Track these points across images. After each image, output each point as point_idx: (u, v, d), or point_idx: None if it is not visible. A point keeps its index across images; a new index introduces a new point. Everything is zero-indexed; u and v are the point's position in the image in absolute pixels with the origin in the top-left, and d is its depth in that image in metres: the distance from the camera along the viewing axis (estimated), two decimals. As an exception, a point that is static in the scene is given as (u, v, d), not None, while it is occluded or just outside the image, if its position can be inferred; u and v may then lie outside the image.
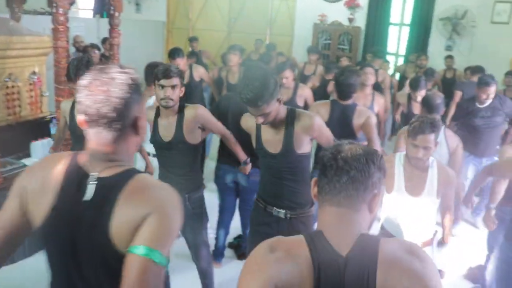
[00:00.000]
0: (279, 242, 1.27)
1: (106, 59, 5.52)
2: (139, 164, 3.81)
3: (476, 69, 6.00)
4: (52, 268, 1.34)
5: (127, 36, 5.92)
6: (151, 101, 3.81)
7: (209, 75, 5.65)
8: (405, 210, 2.61)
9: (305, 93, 4.55)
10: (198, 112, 2.81)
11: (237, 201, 3.81)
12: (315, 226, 1.33)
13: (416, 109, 4.61)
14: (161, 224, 1.19)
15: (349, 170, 1.20)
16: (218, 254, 3.84)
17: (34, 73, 4.20)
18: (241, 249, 4.11)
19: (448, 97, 5.72)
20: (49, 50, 4.01)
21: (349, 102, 3.49)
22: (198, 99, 5.28)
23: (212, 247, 3.52)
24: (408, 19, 8.95)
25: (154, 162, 3.91)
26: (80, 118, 1.24)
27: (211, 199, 3.84)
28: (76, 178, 1.28)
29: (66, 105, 3.23)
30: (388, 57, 8.96)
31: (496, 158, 4.66)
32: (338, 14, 9.23)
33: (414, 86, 4.59)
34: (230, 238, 4.13)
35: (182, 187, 2.81)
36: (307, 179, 2.60)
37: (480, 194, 5.11)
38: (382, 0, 8.91)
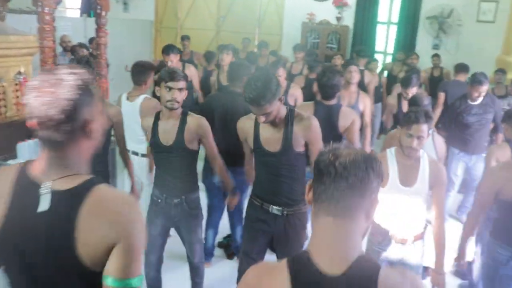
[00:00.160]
0: (264, 268, 1.25)
1: (94, 58, 5.48)
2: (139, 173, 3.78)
3: (460, 68, 5.94)
4: (11, 284, 1.31)
5: (114, 36, 5.88)
6: (139, 100, 3.80)
7: (197, 76, 5.69)
8: (398, 202, 2.64)
9: (296, 92, 4.58)
10: (201, 123, 2.86)
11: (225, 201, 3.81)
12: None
13: (406, 108, 4.63)
14: (129, 250, 1.20)
15: (348, 177, 1.13)
16: (207, 254, 3.84)
17: (20, 73, 4.14)
18: (230, 248, 4.11)
19: (436, 95, 5.77)
20: (35, 50, 3.97)
21: (334, 102, 3.50)
22: (189, 99, 5.28)
23: (201, 247, 3.52)
24: (395, 17, 9.01)
25: (143, 161, 3.92)
26: (29, 121, 1.20)
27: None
28: (27, 189, 1.23)
29: None
30: (376, 56, 9.01)
31: (484, 155, 4.73)
32: (327, 13, 9.26)
33: (406, 83, 4.60)
34: (219, 237, 4.13)
35: (179, 189, 2.89)
36: (303, 176, 2.68)
37: (464, 192, 5.18)
38: (370, -1, 8.97)
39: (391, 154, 2.70)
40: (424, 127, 2.53)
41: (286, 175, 2.62)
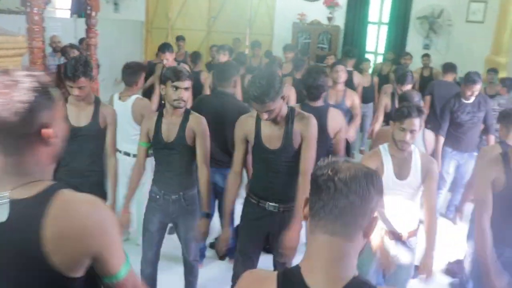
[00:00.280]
0: (255, 278, 1.23)
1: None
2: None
3: (447, 68, 5.92)
4: None
5: (105, 36, 5.85)
6: (131, 100, 3.79)
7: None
8: (393, 196, 2.66)
9: (291, 93, 4.59)
10: (201, 121, 2.90)
11: (216, 202, 3.82)
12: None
13: None
14: (107, 249, 1.21)
15: (348, 194, 1.07)
16: (199, 255, 3.83)
17: (9, 74, 4.12)
18: (222, 249, 4.10)
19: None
20: (24, 50, 3.95)
21: (320, 103, 3.48)
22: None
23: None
24: (386, 18, 9.05)
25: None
26: None
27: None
28: None
29: None
30: (367, 56, 9.03)
31: (475, 154, 4.79)
32: (317, 13, 9.28)
33: (401, 80, 4.65)
34: (210, 238, 4.12)
35: (177, 185, 2.94)
36: (298, 173, 2.71)
37: (453, 190, 5.23)
38: (360, -1, 9.01)
39: (384, 149, 2.77)
40: (417, 121, 2.61)
41: (284, 172, 2.67)
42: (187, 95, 2.82)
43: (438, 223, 4.87)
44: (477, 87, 4.57)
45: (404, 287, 2.93)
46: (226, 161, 3.29)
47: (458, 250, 4.06)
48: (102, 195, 3.20)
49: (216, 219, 3.93)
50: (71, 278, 1.18)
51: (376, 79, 7.25)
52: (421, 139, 3.62)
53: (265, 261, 3.04)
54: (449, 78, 5.76)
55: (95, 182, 3.03)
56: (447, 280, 3.98)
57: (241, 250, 2.90)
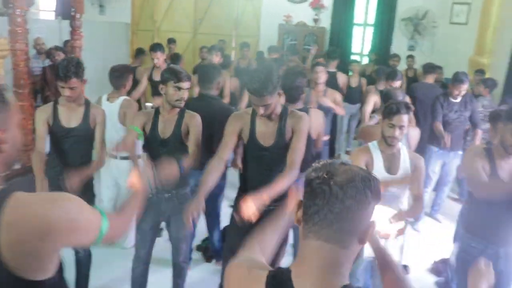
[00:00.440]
0: (244, 273, 1.20)
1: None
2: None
3: (428, 69, 5.93)
4: None
5: (90, 38, 5.81)
6: (119, 101, 3.77)
7: None
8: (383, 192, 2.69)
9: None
10: (195, 116, 2.99)
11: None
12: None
13: None
14: (76, 234, 1.21)
15: (344, 199, 1.02)
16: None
17: (-9, 76, 4.07)
18: (209, 251, 4.10)
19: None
20: (6, 53, 3.90)
21: (300, 106, 3.47)
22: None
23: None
24: (371, 19, 9.12)
25: (122, 164, 3.88)
26: None
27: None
28: None
29: (45, 110, 3.11)
30: (353, 57, 9.09)
31: (460, 153, 4.89)
32: (303, 15, 9.32)
33: (392, 76, 4.78)
34: (197, 240, 4.12)
35: (171, 183, 2.90)
36: None
37: (437, 189, 5.29)
38: (346, 1, 9.05)
39: (373, 145, 2.85)
40: (405, 117, 2.70)
41: (277, 169, 2.69)
42: (186, 95, 2.93)
43: (422, 224, 4.97)
44: (464, 87, 4.72)
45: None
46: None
47: (443, 249, 4.10)
48: (91, 195, 3.22)
49: (202, 221, 3.93)
50: (37, 281, 1.15)
51: (364, 81, 7.31)
52: (404, 136, 3.66)
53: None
54: (430, 79, 5.81)
55: (84, 183, 3.03)
56: (432, 279, 4.02)
57: (231, 249, 2.89)
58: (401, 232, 2.83)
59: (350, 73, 7.43)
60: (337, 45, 8.93)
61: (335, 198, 1.02)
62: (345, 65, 7.55)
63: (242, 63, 7.51)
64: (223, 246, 3.37)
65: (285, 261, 3.20)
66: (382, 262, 1.49)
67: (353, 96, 6.86)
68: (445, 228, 4.96)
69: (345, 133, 7.43)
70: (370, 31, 9.17)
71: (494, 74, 6.61)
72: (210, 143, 3.37)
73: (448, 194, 5.50)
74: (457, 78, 4.70)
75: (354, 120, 7.18)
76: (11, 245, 1.10)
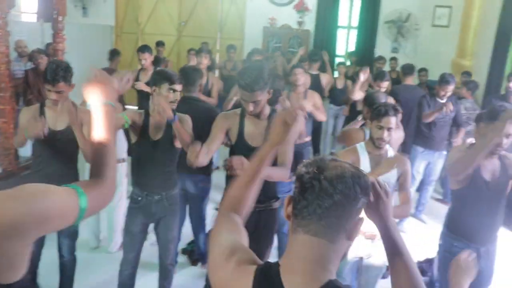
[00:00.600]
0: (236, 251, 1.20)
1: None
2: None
3: (406, 71, 5.98)
4: None
5: (73, 41, 5.75)
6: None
7: None
8: None
9: None
10: (188, 120, 3.02)
11: (187, 208, 3.80)
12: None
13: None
14: (53, 218, 1.16)
15: (333, 194, 1.03)
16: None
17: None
18: (194, 254, 4.08)
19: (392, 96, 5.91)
20: (-12, 55, 3.84)
21: (276, 107, 3.48)
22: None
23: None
24: (355, 22, 9.18)
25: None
26: None
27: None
28: None
29: (31, 110, 3.10)
30: (337, 59, 9.15)
31: (445, 153, 4.97)
32: (288, 17, 9.35)
33: (380, 76, 4.81)
34: (182, 244, 4.10)
35: (161, 185, 3.00)
36: None
37: (420, 188, 5.35)
38: (330, 4, 9.10)
39: (361, 147, 2.87)
40: (393, 119, 2.74)
41: None
42: (179, 97, 3.00)
43: (406, 224, 5.01)
44: (450, 88, 4.83)
45: (374, 286, 2.98)
46: (198, 167, 3.28)
47: (427, 249, 4.14)
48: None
49: (187, 224, 3.91)
50: (5, 285, 1.12)
51: (349, 83, 7.37)
52: None
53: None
54: (409, 81, 5.89)
55: (70, 176, 3.00)
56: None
57: None
58: None
59: (336, 75, 7.48)
60: (321, 47, 8.96)
61: (325, 193, 1.04)
62: (332, 67, 7.62)
63: (228, 65, 7.50)
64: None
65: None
66: (392, 246, 1.37)
67: (339, 97, 6.90)
68: (429, 228, 5.01)
69: (330, 135, 7.47)
70: (354, 33, 9.24)
71: (475, 76, 6.71)
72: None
73: (432, 195, 5.56)
74: (444, 79, 4.82)
75: (340, 122, 7.22)
76: None
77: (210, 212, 4.08)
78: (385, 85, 4.72)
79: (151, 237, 3.25)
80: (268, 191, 2.74)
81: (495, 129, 2.54)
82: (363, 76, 4.70)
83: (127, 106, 5.58)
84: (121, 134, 3.95)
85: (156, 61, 6.36)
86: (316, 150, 5.12)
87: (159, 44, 8.06)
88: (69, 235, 3.17)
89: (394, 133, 3.78)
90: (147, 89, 4.58)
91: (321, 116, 4.65)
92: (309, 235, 1.06)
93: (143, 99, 5.30)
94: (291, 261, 1.09)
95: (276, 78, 3.51)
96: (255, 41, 9.24)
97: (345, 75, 7.33)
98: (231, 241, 1.26)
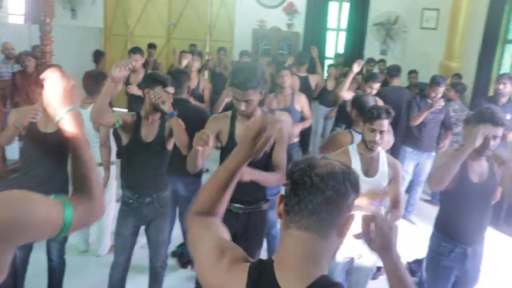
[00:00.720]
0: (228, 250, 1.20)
1: (40, 67, 5.29)
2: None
3: (392, 72, 6.04)
4: None
5: (62, 43, 5.72)
6: (90, 108, 3.71)
7: None
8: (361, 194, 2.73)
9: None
10: (179, 122, 2.99)
11: (177, 210, 3.80)
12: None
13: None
14: (36, 228, 1.14)
15: (325, 190, 1.06)
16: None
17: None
18: (184, 257, 4.07)
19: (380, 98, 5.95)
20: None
21: (264, 109, 3.51)
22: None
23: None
24: (344, 24, 9.22)
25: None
26: None
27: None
28: None
29: (19, 113, 3.05)
30: (326, 61, 9.19)
31: (434, 154, 5.02)
32: (277, 19, 9.37)
33: (372, 77, 4.78)
34: (172, 246, 4.09)
35: (152, 187, 3.01)
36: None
37: (409, 189, 5.39)
38: (319, 6, 9.13)
39: (353, 148, 2.88)
40: (386, 122, 2.75)
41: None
42: (171, 99, 3.00)
43: (397, 223, 5.04)
44: (441, 89, 4.91)
45: (364, 287, 3.00)
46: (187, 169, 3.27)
47: (417, 250, 4.16)
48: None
49: (177, 227, 3.90)
50: None
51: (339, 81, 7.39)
52: None
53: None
54: (396, 82, 5.94)
55: (59, 189, 2.98)
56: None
57: None
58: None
59: (326, 76, 7.51)
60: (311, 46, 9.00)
61: (316, 189, 1.06)
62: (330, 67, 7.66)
63: (218, 67, 7.50)
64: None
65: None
66: (397, 281, 1.37)
67: (330, 99, 6.92)
68: (418, 229, 5.05)
69: (320, 136, 7.49)
70: (343, 36, 9.29)
71: (463, 78, 6.78)
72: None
73: (420, 196, 5.61)
74: (434, 81, 4.92)
75: (329, 123, 7.25)
76: None
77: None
78: (377, 86, 4.73)
79: (141, 240, 3.24)
80: (257, 192, 2.75)
81: (469, 139, 2.59)
82: (357, 67, 4.71)
83: (116, 109, 5.56)
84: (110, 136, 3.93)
85: (145, 64, 6.36)
86: (305, 150, 5.13)
87: (151, 46, 8.03)
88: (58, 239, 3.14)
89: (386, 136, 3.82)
90: (139, 92, 4.56)
91: (306, 124, 4.73)
92: (301, 230, 1.08)
93: (132, 102, 5.29)
94: (283, 256, 1.11)
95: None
96: (245, 43, 9.25)
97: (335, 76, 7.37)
98: (217, 241, 1.26)
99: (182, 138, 2.91)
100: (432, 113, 4.93)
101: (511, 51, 6.74)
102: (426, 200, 5.94)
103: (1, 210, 1.10)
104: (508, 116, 4.43)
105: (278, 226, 3.90)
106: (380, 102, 4.26)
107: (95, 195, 1.32)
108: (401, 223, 5.19)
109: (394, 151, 4.52)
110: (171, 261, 4.04)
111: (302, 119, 4.70)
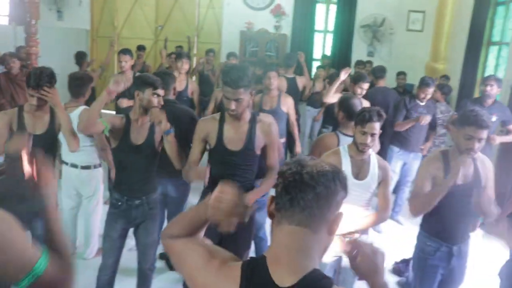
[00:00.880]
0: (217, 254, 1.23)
1: (25, 68, 5.23)
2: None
3: (377, 73, 6.06)
4: None
5: (47, 45, 5.67)
6: (78, 111, 3.68)
7: None
8: (350, 196, 2.73)
9: None
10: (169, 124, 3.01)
11: (166, 212, 3.79)
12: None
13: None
14: (7, 257, 1.12)
15: (315, 186, 1.11)
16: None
17: None
18: (173, 259, 4.05)
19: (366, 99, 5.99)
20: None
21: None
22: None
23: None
24: (332, 26, 9.28)
25: (83, 174, 3.81)
26: None
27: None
28: None
29: (8, 113, 3.10)
30: (314, 63, 9.23)
31: (420, 154, 5.08)
32: (265, 21, 9.39)
33: (360, 78, 4.74)
34: (160, 249, 4.06)
35: (141, 190, 2.99)
36: (253, 176, 2.88)
37: (396, 190, 5.44)
38: (306, 8, 9.17)
39: (344, 150, 2.88)
40: (377, 125, 2.76)
41: (242, 175, 2.76)
42: (161, 102, 2.99)
43: (383, 225, 5.08)
44: (430, 90, 5.00)
45: (352, 286, 3.01)
46: (178, 171, 3.27)
47: (404, 250, 4.20)
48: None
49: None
50: None
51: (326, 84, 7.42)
52: None
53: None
54: (381, 83, 5.99)
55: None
56: (394, 279, 4.11)
57: None
58: (364, 232, 2.89)
59: (313, 77, 7.54)
60: (298, 51, 9.02)
61: (307, 186, 1.11)
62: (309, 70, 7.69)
63: (207, 68, 7.49)
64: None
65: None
66: None
67: (317, 100, 6.96)
68: (405, 229, 5.08)
69: (307, 137, 7.52)
70: (330, 37, 9.34)
71: (449, 80, 6.85)
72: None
73: (407, 196, 5.64)
74: (423, 82, 5.00)
75: (317, 124, 7.27)
76: None
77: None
78: (366, 86, 4.71)
79: (129, 242, 3.22)
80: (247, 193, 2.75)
81: (452, 171, 2.61)
82: (344, 75, 4.74)
83: (104, 111, 5.52)
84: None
85: (133, 66, 6.33)
86: (291, 151, 5.15)
87: (140, 48, 8.00)
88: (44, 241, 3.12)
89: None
90: (129, 103, 4.48)
91: (292, 118, 4.76)
92: (293, 225, 1.12)
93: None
94: (276, 251, 1.15)
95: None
96: (232, 45, 9.25)
97: (318, 77, 7.41)
98: (205, 247, 1.30)
99: (174, 155, 2.91)
100: (420, 114, 4.97)
101: (495, 53, 6.84)
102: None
103: None
104: (493, 118, 4.50)
105: (266, 228, 3.91)
106: (366, 103, 4.27)
107: (66, 257, 1.34)
108: (388, 223, 5.23)
109: (381, 151, 4.55)
110: (159, 263, 4.01)
111: (287, 120, 4.73)
